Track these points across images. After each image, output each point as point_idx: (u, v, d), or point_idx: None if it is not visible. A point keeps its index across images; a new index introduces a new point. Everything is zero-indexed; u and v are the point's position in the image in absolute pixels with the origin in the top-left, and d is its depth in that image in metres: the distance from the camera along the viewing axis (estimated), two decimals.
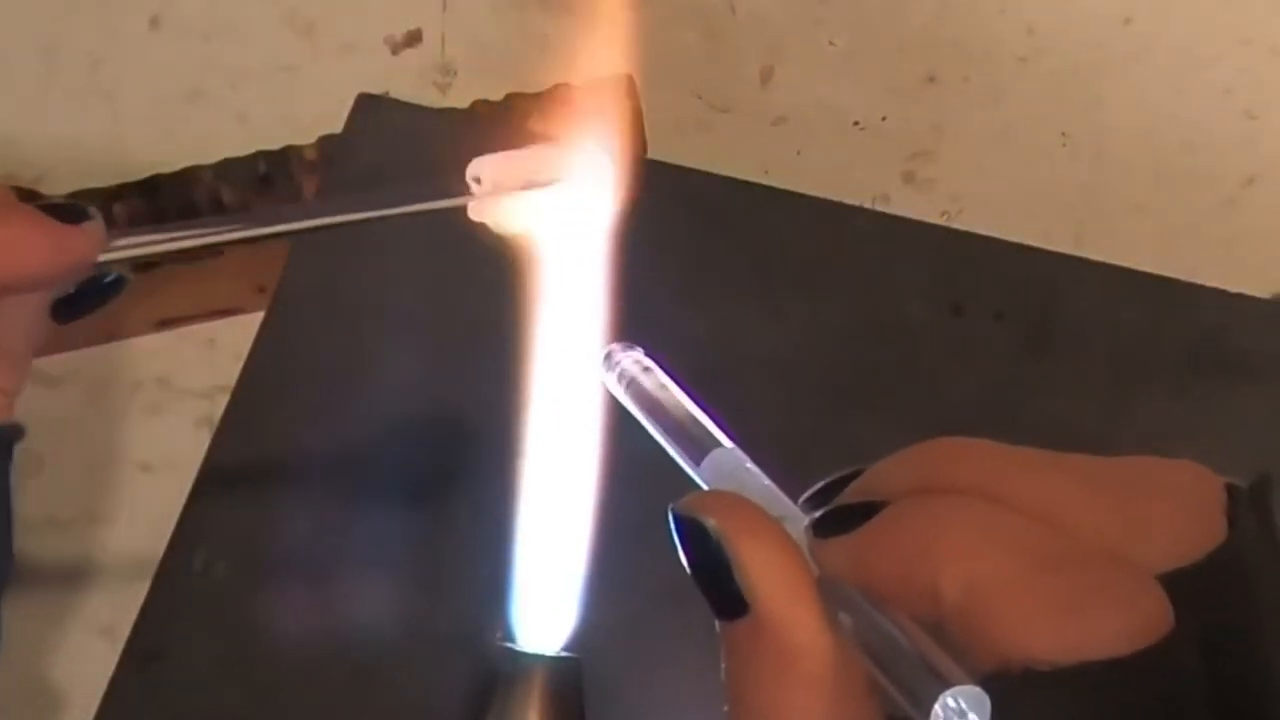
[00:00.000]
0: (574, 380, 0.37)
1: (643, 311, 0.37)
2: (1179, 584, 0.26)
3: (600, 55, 0.39)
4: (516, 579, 0.37)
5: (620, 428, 0.37)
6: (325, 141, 0.69)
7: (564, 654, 0.36)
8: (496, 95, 0.71)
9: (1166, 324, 0.52)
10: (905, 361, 0.52)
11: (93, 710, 0.49)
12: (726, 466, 0.33)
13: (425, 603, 0.49)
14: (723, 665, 0.29)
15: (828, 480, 0.31)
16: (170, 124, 0.76)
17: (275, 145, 0.70)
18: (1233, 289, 0.54)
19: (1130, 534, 0.27)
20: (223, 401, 0.53)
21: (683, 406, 0.34)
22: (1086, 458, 0.30)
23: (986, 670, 0.26)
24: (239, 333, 0.66)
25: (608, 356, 0.35)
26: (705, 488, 0.33)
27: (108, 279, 0.43)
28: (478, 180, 0.40)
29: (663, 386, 0.35)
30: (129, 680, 0.49)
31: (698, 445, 0.34)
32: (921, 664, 0.26)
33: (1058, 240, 0.56)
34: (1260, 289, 0.57)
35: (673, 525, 0.30)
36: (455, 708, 0.47)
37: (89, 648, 0.63)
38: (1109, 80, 0.77)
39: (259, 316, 0.55)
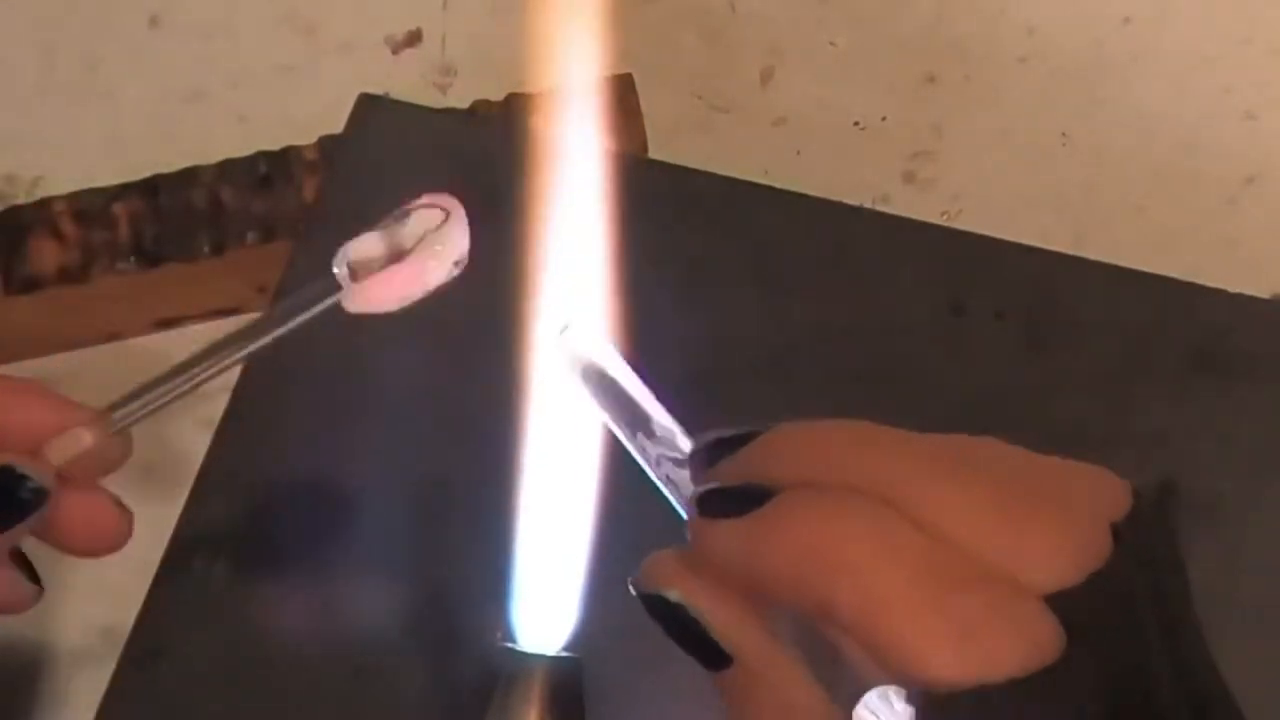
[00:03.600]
0: (574, 380, 0.37)
1: (643, 311, 0.37)
2: (1065, 605, 0.26)
3: (600, 55, 0.39)
4: (516, 579, 0.37)
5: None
6: (325, 141, 0.69)
7: (564, 654, 0.36)
8: (496, 95, 0.71)
9: (1166, 324, 0.52)
10: (905, 361, 0.52)
11: (93, 710, 0.49)
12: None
13: (425, 603, 0.49)
14: (728, 711, 0.30)
15: (720, 435, 0.31)
16: (170, 124, 0.76)
17: (275, 145, 0.70)
18: (1233, 289, 0.54)
19: (1015, 555, 0.27)
20: (223, 401, 0.53)
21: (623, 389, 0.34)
22: (994, 454, 0.29)
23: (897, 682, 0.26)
24: None
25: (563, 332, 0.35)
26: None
27: (22, 489, 0.40)
28: (348, 270, 0.40)
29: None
30: (129, 680, 0.49)
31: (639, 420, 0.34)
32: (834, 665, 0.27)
33: (1058, 240, 0.56)
34: (1260, 289, 0.57)
35: (639, 599, 0.31)
36: (455, 708, 0.47)
37: (89, 648, 0.63)
38: (1109, 80, 0.77)
39: (259, 316, 0.55)
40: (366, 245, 0.40)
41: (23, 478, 0.40)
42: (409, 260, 0.39)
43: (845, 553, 0.27)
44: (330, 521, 0.51)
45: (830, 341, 0.52)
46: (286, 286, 0.55)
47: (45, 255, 0.68)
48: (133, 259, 0.68)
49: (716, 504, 0.29)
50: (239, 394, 0.53)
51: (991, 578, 0.26)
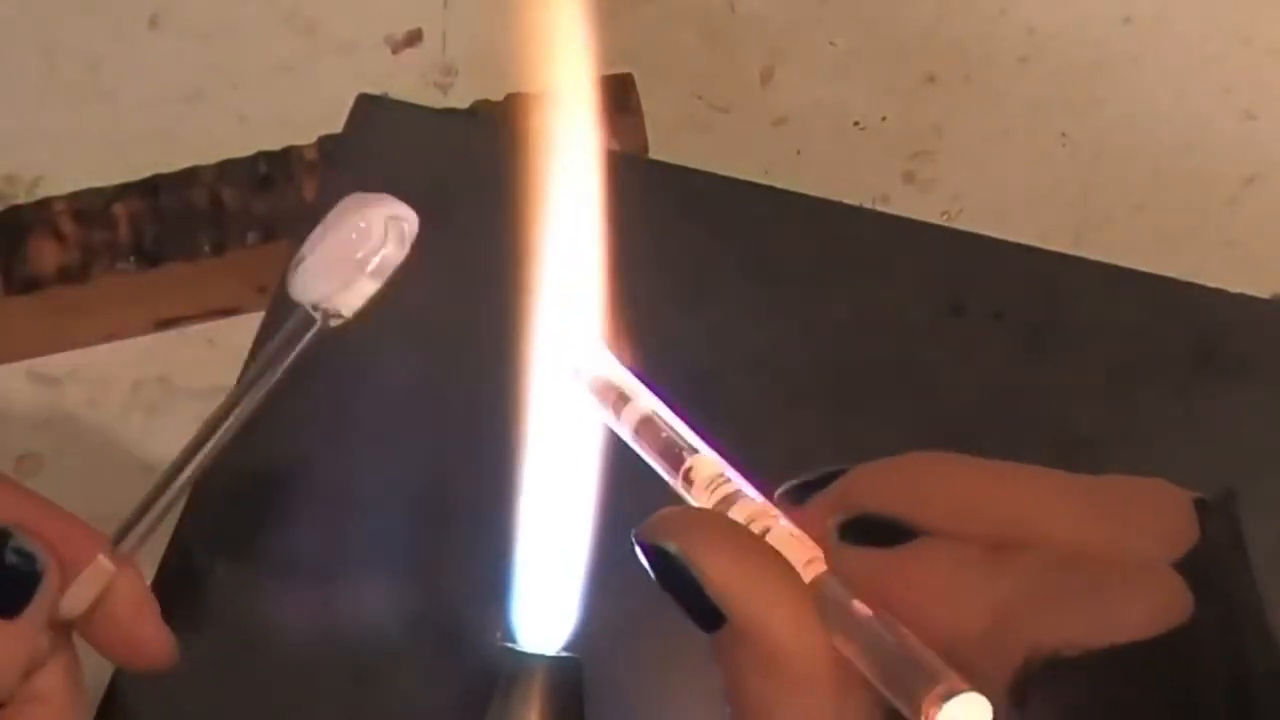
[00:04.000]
0: (574, 379, 0.37)
1: (642, 311, 0.37)
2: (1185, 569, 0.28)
3: (600, 55, 0.39)
4: (516, 579, 0.37)
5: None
6: (325, 141, 0.69)
7: (564, 654, 0.36)
8: (497, 95, 0.71)
9: (1166, 324, 0.52)
10: (905, 361, 0.52)
11: (93, 710, 0.49)
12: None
13: (425, 603, 0.49)
14: (720, 674, 0.30)
15: (814, 475, 0.32)
16: (170, 124, 0.76)
17: (275, 145, 0.70)
18: (1233, 289, 0.54)
19: (1123, 536, 0.28)
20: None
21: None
22: (1056, 473, 0.31)
23: (1014, 661, 0.26)
24: (239, 333, 0.65)
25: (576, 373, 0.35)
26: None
27: (12, 560, 0.39)
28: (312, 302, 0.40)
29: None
30: (129, 680, 0.49)
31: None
32: (917, 668, 0.27)
33: (1058, 240, 0.56)
34: (1260, 289, 0.57)
35: (639, 551, 0.31)
36: (455, 708, 0.47)
37: (89, 648, 0.63)
38: (1109, 80, 0.77)
39: (259, 316, 0.55)
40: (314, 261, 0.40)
41: (4, 535, 0.39)
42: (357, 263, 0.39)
43: (968, 579, 0.28)
44: (330, 521, 0.51)
45: (830, 341, 0.52)
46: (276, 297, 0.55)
47: (45, 255, 0.68)
48: (133, 259, 0.68)
49: (859, 533, 0.30)
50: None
51: (1113, 555, 0.28)
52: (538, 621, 0.36)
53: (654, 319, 0.37)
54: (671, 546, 0.30)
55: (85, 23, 0.78)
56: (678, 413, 0.35)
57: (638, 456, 0.36)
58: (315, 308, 0.40)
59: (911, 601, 0.28)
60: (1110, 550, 0.28)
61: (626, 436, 0.35)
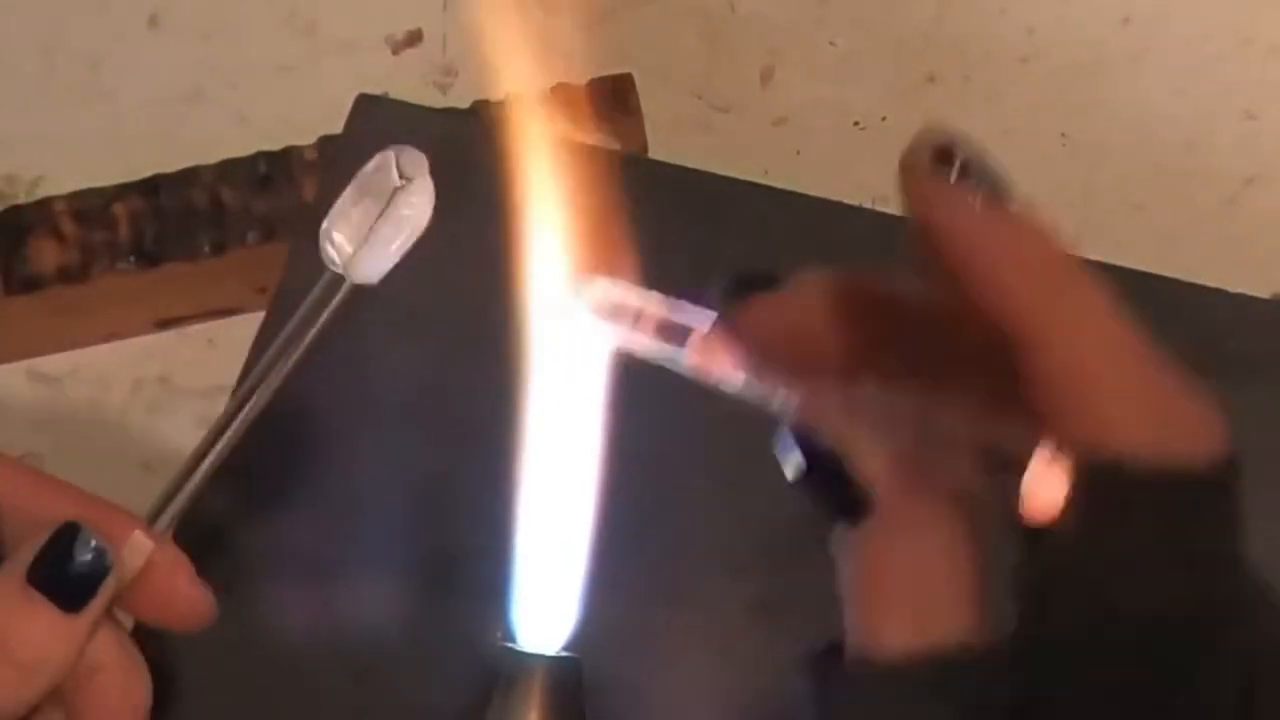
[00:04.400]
0: (574, 379, 0.37)
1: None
2: None
3: (600, 55, 0.39)
4: (516, 579, 0.37)
5: (621, 427, 0.37)
6: (325, 141, 0.69)
7: (564, 654, 0.36)
8: (496, 95, 0.71)
9: (1166, 324, 0.52)
10: None
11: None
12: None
13: (425, 603, 0.49)
14: (843, 569, 0.30)
15: (749, 274, 0.33)
16: (170, 124, 0.76)
17: (275, 145, 0.70)
18: (1233, 289, 0.53)
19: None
20: (223, 401, 0.53)
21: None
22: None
23: (1071, 448, 0.26)
24: (239, 333, 0.65)
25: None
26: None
27: (83, 549, 0.39)
28: (334, 244, 0.40)
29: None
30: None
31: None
32: None
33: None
34: (1260, 289, 0.57)
35: (783, 444, 0.31)
36: (455, 708, 0.47)
37: None
38: (1109, 80, 0.77)
39: (259, 316, 0.55)
40: (343, 222, 0.40)
41: (85, 537, 0.39)
42: (388, 218, 0.39)
43: (1076, 276, 0.28)
44: (330, 521, 0.51)
45: None
46: (286, 286, 0.55)
47: (45, 255, 0.68)
48: (133, 259, 0.68)
49: (959, 181, 0.30)
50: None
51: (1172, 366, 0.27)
52: (538, 621, 0.36)
53: None
54: (825, 430, 0.30)
55: (85, 23, 0.78)
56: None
57: (638, 458, 0.36)
58: (342, 268, 0.40)
59: (1004, 259, 0.28)
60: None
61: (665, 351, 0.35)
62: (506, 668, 0.36)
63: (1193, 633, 0.26)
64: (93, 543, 0.39)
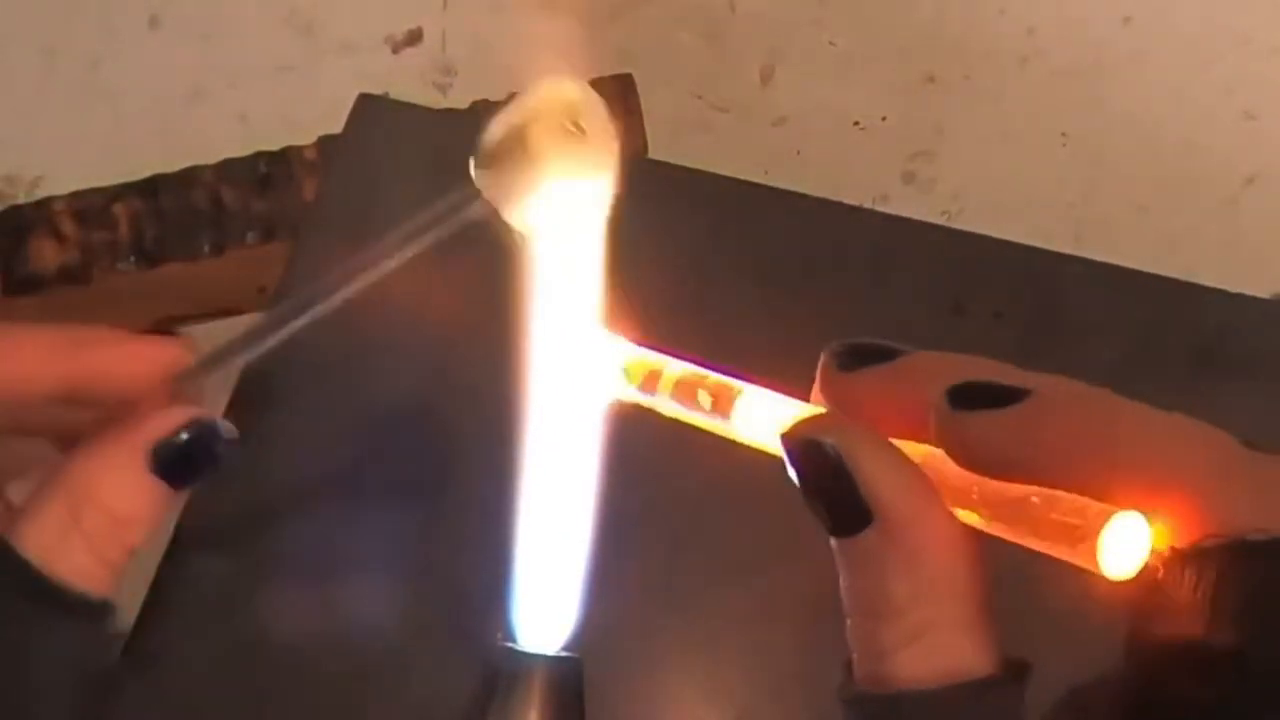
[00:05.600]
0: (574, 379, 0.37)
1: (642, 311, 0.37)
2: None
3: (600, 55, 0.39)
4: (516, 579, 0.37)
5: (621, 427, 0.37)
6: (325, 141, 0.69)
7: (564, 654, 0.36)
8: (496, 95, 0.71)
9: (1166, 324, 0.52)
10: None
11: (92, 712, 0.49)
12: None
13: (425, 603, 0.49)
14: (845, 585, 0.29)
15: (863, 342, 0.33)
16: (170, 124, 0.76)
17: (275, 145, 0.70)
18: (1233, 289, 0.53)
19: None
20: (222, 401, 0.53)
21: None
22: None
23: (1192, 531, 0.26)
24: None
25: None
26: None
27: (214, 436, 0.38)
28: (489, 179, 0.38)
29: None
30: (129, 680, 0.49)
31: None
32: (1073, 509, 0.27)
33: (1058, 240, 0.56)
34: (1260, 289, 0.57)
35: (786, 451, 0.31)
36: (455, 708, 0.47)
37: None
38: (1109, 80, 0.77)
39: (259, 316, 0.55)
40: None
41: (217, 434, 0.38)
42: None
43: (1134, 432, 0.28)
44: (330, 521, 0.51)
45: (830, 342, 0.52)
46: (286, 286, 0.55)
47: (45, 255, 0.68)
48: (133, 259, 0.68)
49: (976, 398, 0.30)
50: (239, 394, 0.53)
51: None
52: (538, 621, 0.36)
53: (653, 319, 0.37)
54: (828, 440, 0.30)
55: (85, 23, 0.78)
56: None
57: (639, 457, 0.36)
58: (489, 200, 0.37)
59: (1045, 448, 0.28)
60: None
61: (665, 406, 0.35)
62: (506, 668, 0.36)
63: None
64: (227, 436, 0.38)
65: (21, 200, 0.71)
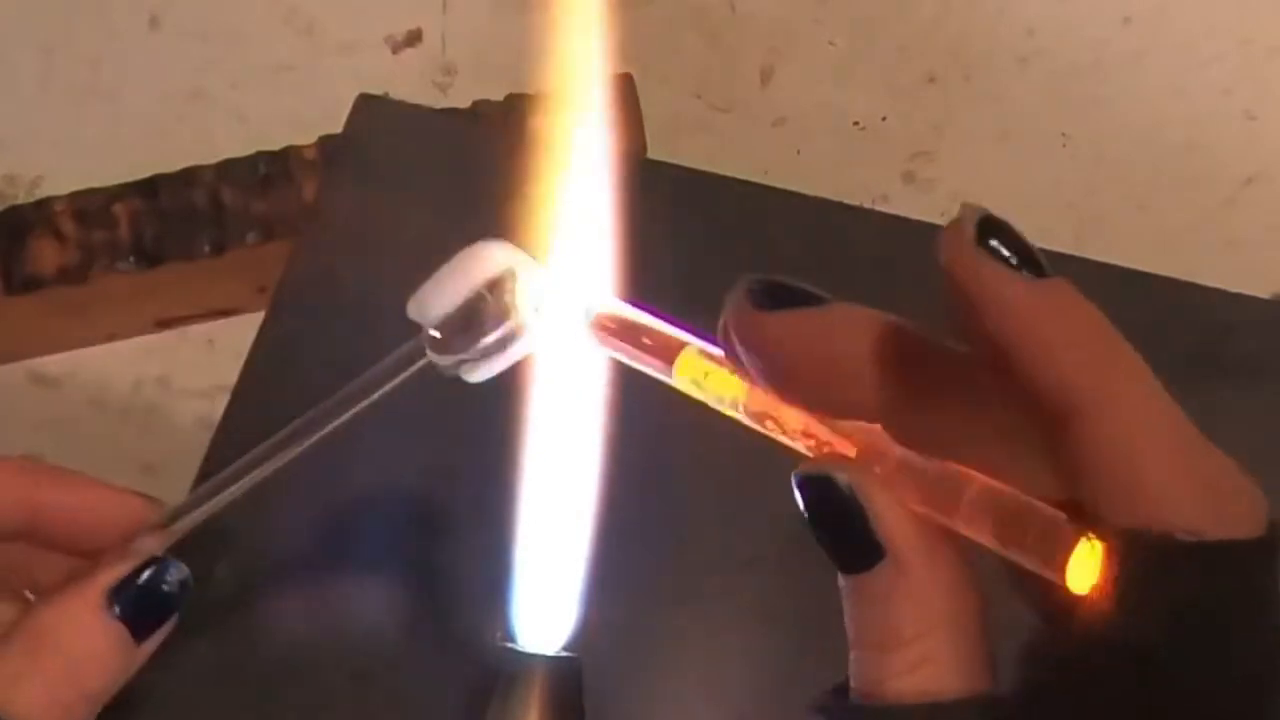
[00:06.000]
0: (574, 379, 0.37)
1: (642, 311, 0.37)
2: None
3: (600, 55, 0.39)
4: (516, 579, 0.37)
5: (621, 426, 0.37)
6: (325, 141, 0.69)
7: (564, 654, 0.36)
8: (496, 95, 0.71)
9: (1166, 324, 0.52)
10: None
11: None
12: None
13: (425, 603, 0.49)
14: (851, 618, 0.30)
15: (773, 280, 0.33)
16: (170, 124, 0.76)
17: (275, 145, 0.70)
18: (1233, 289, 0.53)
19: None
20: (223, 401, 0.53)
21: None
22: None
23: (1118, 527, 0.26)
24: (239, 333, 0.66)
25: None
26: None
27: (169, 576, 0.39)
28: (434, 329, 0.39)
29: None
30: (128, 682, 0.49)
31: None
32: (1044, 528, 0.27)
33: (1058, 240, 0.56)
34: (1260, 289, 0.57)
35: (799, 488, 0.31)
36: (455, 708, 0.47)
37: None
38: (1109, 80, 0.77)
39: (259, 316, 0.55)
40: (437, 296, 0.38)
41: (169, 566, 0.40)
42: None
43: (1125, 352, 0.29)
44: (330, 522, 0.51)
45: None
46: (286, 286, 0.55)
47: (45, 255, 0.68)
48: (133, 259, 0.68)
49: (1002, 256, 0.30)
50: (239, 394, 0.53)
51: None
52: (538, 621, 0.36)
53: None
54: (841, 476, 0.30)
55: (85, 23, 0.78)
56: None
57: (639, 457, 0.36)
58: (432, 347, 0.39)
59: (1053, 336, 0.29)
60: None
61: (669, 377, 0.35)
62: (506, 668, 0.36)
63: (1248, 703, 0.26)
64: (179, 577, 0.40)
65: (21, 200, 0.71)
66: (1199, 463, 0.28)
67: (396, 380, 0.39)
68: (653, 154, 0.67)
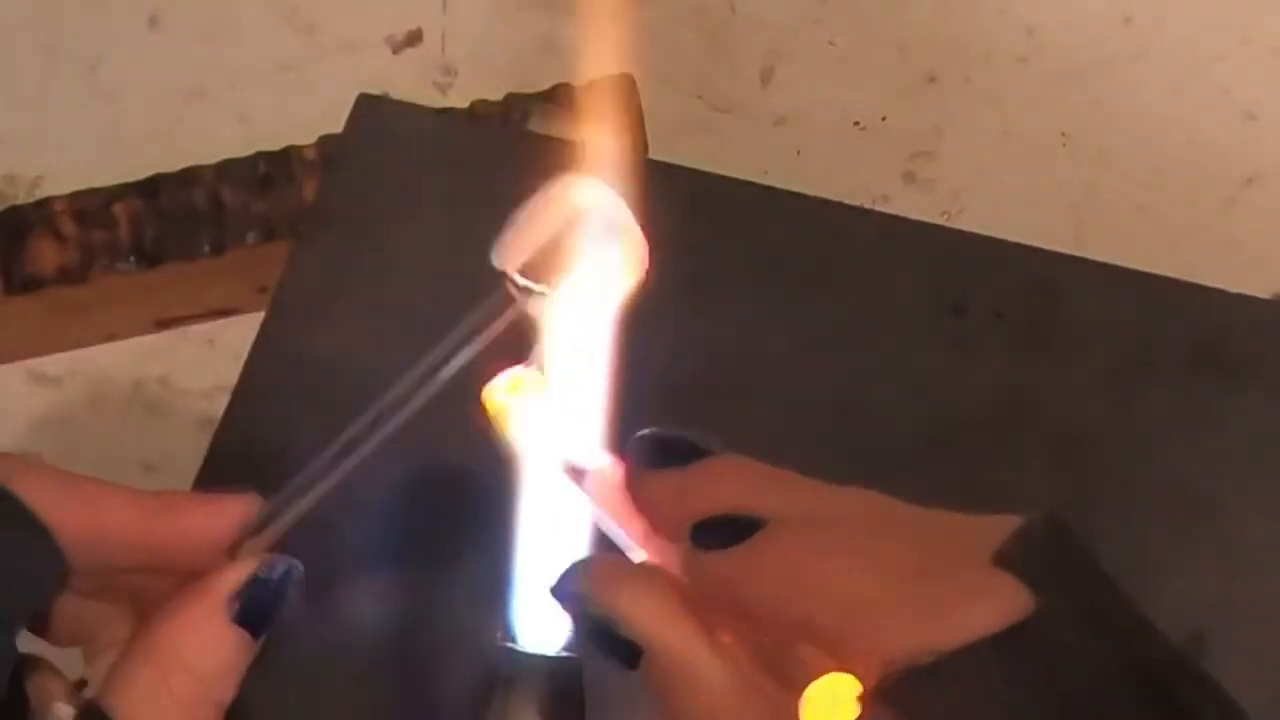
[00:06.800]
0: (573, 380, 0.37)
1: (642, 311, 0.37)
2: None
3: (600, 55, 0.39)
4: (516, 579, 0.37)
5: (621, 426, 0.37)
6: (325, 141, 0.69)
7: (564, 654, 0.36)
8: (496, 95, 0.71)
9: (1166, 324, 0.52)
10: (905, 361, 0.52)
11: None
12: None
13: (425, 603, 0.49)
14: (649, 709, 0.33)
15: (669, 435, 0.35)
16: (170, 124, 0.76)
17: (275, 145, 0.70)
18: (1233, 289, 0.53)
19: (944, 546, 0.31)
20: (223, 401, 0.53)
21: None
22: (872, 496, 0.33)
23: (873, 668, 0.29)
24: (239, 333, 0.66)
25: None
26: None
27: (275, 573, 0.39)
28: (518, 275, 0.38)
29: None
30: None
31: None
32: (790, 659, 0.30)
33: (1058, 240, 0.56)
34: (1260, 289, 0.57)
35: (557, 604, 0.34)
36: (455, 708, 0.47)
37: None
38: (1109, 80, 0.77)
39: (259, 316, 0.55)
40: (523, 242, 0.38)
41: (287, 572, 0.40)
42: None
43: (824, 571, 0.30)
44: (330, 521, 0.51)
45: (830, 341, 0.52)
46: (286, 286, 0.55)
47: (45, 255, 0.68)
48: (133, 259, 0.68)
49: (711, 536, 0.32)
50: (239, 394, 0.53)
51: (949, 558, 0.30)
52: (538, 621, 0.36)
53: (653, 319, 0.37)
54: (589, 597, 0.33)
55: (85, 23, 0.78)
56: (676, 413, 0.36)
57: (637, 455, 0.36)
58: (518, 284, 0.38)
59: (768, 593, 0.31)
60: (937, 562, 0.30)
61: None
62: (506, 668, 0.36)
63: None
64: (287, 569, 0.40)
65: (21, 200, 0.71)
66: (921, 597, 0.29)
67: (490, 332, 0.39)
68: (653, 154, 0.67)
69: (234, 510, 0.40)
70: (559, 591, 0.34)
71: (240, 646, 0.39)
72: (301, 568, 0.40)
